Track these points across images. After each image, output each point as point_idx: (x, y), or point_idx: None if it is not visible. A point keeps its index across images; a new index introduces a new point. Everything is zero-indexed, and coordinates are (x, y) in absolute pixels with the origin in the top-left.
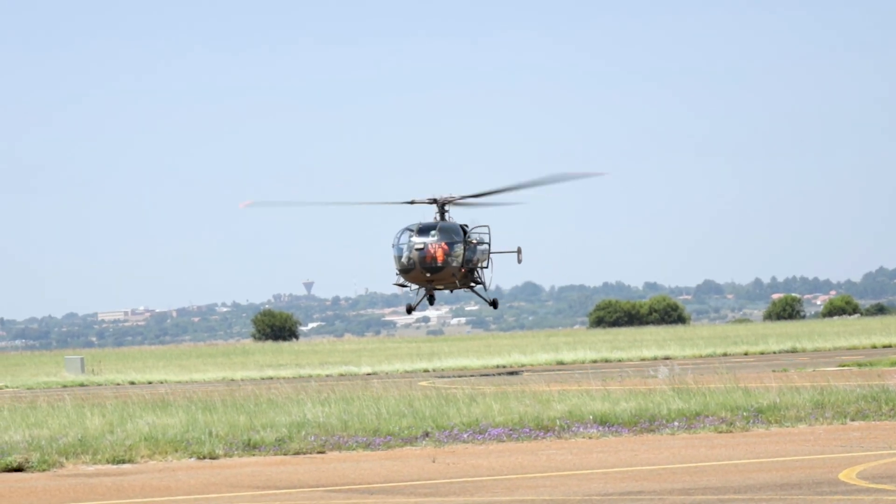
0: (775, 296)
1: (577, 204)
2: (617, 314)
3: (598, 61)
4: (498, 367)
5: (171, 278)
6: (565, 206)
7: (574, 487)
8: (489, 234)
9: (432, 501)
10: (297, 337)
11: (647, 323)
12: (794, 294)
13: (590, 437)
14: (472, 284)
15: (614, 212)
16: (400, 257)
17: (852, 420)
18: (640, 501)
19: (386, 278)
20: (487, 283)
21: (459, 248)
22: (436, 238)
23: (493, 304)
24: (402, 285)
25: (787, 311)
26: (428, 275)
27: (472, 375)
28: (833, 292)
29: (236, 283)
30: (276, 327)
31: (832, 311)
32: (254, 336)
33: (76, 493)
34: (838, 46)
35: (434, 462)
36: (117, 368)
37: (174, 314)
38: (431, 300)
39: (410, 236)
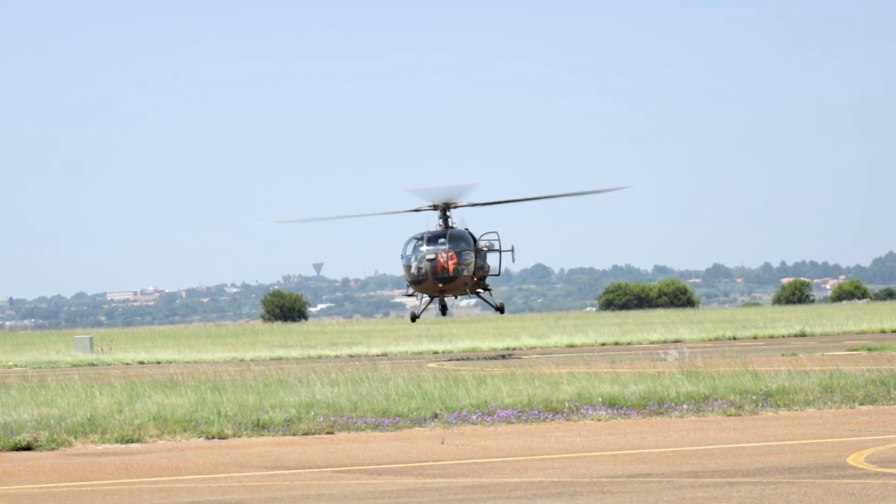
0: (784, 280)
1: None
2: (626, 297)
3: (606, 47)
4: (507, 349)
5: (180, 259)
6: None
7: (583, 469)
8: (499, 240)
9: (441, 482)
10: (306, 318)
11: (657, 306)
12: (803, 278)
13: (598, 420)
14: (480, 290)
15: (624, 195)
16: (410, 268)
17: (861, 404)
18: (649, 484)
19: (396, 260)
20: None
21: (470, 257)
22: (446, 247)
23: (500, 308)
24: (412, 295)
25: (796, 295)
26: (440, 285)
27: (480, 358)
28: (842, 277)
29: (245, 263)
30: (286, 308)
31: (841, 295)
32: (263, 317)
33: (85, 472)
34: (851, 29)
35: (443, 443)
36: (126, 348)
37: (183, 294)
38: (444, 310)
39: (419, 246)
